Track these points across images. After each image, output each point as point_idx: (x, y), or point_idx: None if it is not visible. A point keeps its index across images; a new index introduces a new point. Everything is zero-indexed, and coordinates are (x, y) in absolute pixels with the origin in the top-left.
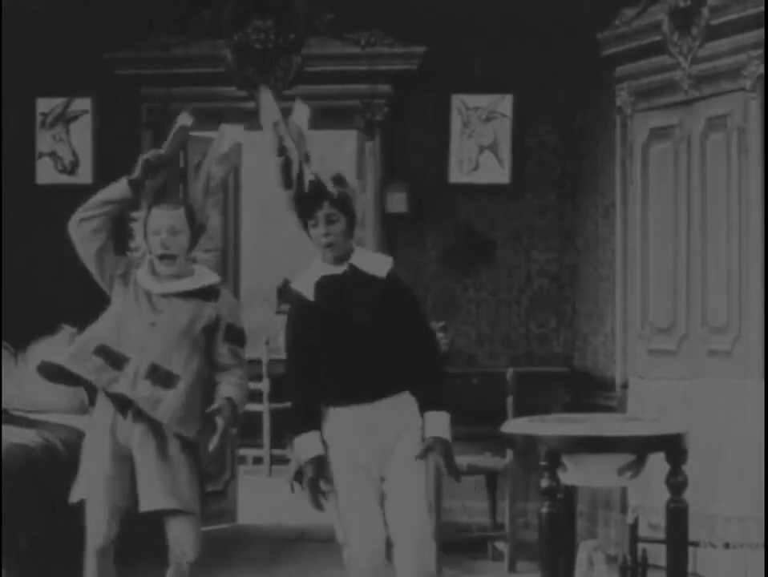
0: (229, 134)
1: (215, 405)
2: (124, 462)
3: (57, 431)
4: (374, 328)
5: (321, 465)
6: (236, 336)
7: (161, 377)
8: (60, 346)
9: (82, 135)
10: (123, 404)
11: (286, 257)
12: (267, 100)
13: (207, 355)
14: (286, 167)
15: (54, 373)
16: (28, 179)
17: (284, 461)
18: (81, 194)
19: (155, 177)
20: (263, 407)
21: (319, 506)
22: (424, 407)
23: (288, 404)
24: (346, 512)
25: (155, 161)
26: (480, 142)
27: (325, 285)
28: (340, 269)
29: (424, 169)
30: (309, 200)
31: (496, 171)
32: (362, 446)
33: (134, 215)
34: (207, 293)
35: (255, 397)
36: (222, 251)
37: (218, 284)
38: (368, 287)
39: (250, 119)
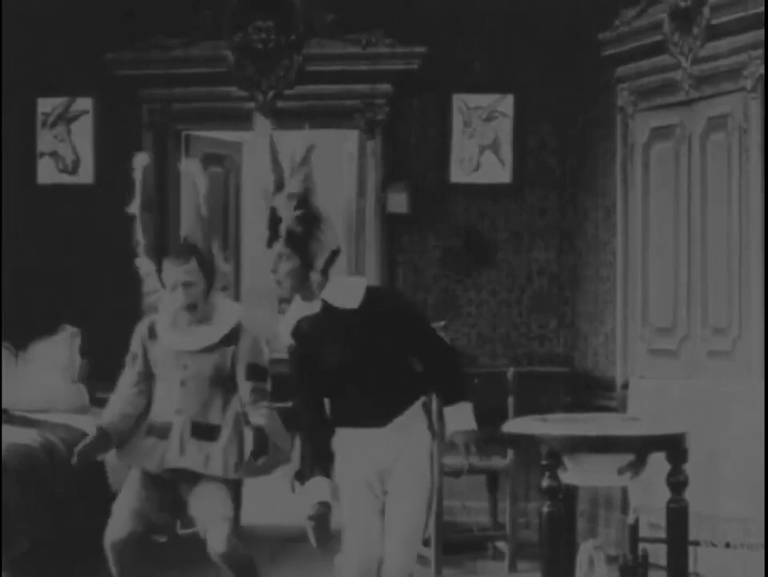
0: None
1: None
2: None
3: (57, 431)
4: (364, 358)
5: (327, 509)
6: (260, 374)
7: (203, 432)
8: (61, 346)
9: (83, 134)
10: (177, 477)
11: None
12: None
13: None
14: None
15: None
16: (29, 179)
17: None
18: (82, 194)
19: None
20: None
21: (321, 545)
22: (444, 403)
23: (289, 403)
24: (347, 524)
25: None
26: (481, 142)
27: (302, 327)
28: (315, 307)
29: (425, 169)
30: (269, 235)
31: (497, 171)
32: (366, 465)
33: (138, 261)
34: (228, 338)
35: None
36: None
37: (239, 324)
38: (345, 319)
39: (249, 119)
